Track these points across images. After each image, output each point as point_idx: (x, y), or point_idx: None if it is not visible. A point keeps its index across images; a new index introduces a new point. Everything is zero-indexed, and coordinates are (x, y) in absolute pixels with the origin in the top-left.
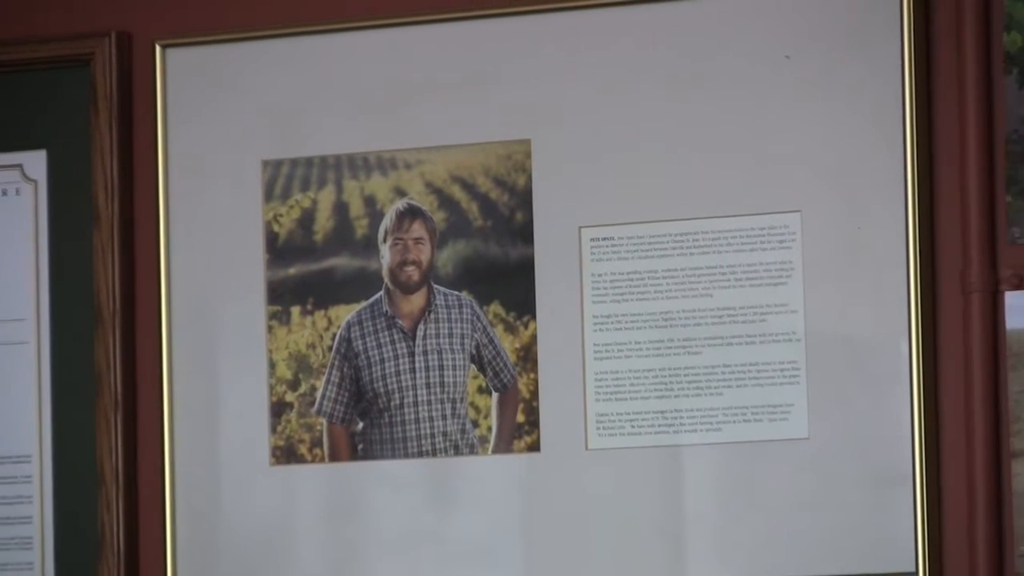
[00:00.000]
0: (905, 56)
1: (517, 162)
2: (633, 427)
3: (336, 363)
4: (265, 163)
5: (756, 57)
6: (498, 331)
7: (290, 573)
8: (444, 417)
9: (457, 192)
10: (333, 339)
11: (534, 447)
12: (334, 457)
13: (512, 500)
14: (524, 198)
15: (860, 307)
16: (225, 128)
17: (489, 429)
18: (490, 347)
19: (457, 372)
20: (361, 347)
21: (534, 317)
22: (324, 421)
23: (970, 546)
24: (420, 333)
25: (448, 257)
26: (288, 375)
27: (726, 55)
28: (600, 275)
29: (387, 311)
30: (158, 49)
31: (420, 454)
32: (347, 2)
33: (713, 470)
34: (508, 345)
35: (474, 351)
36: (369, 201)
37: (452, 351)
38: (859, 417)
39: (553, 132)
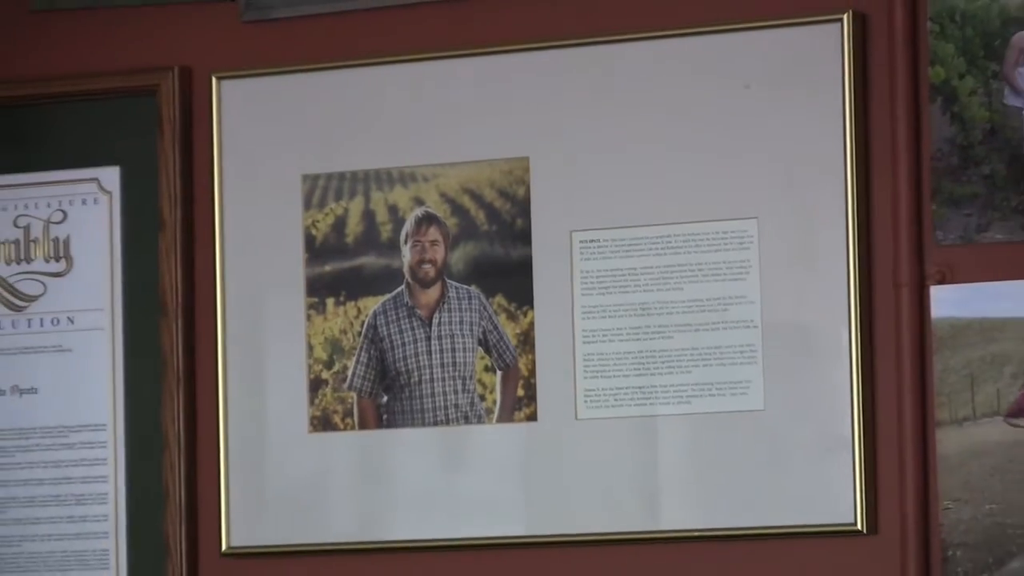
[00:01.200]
0: (846, 86)
1: (517, 176)
2: (616, 400)
3: (364, 346)
4: (305, 177)
5: (722, 87)
6: (501, 319)
7: (325, 524)
8: (456, 392)
9: (467, 202)
10: (362, 326)
11: (532, 417)
12: (363, 426)
13: (513, 462)
14: (523, 207)
15: (808, 299)
16: (270, 147)
17: (494, 402)
18: (494, 333)
19: (467, 354)
20: (385, 332)
21: (532, 307)
22: (354, 395)
23: (901, 501)
24: (435, 321)
25: (459, 257)
26: (324, 356)
27: (696, 85)
28: (588, 272)
29: (408, 302)
30: (214, 81)
31: (436, 423)
32: (373, 41)
33: (683, 436)
34: (510, 331)
35: (481, 336)
36: (392, 209)
37: (463, 336)
38: (806, 392)
39: (547, 151)
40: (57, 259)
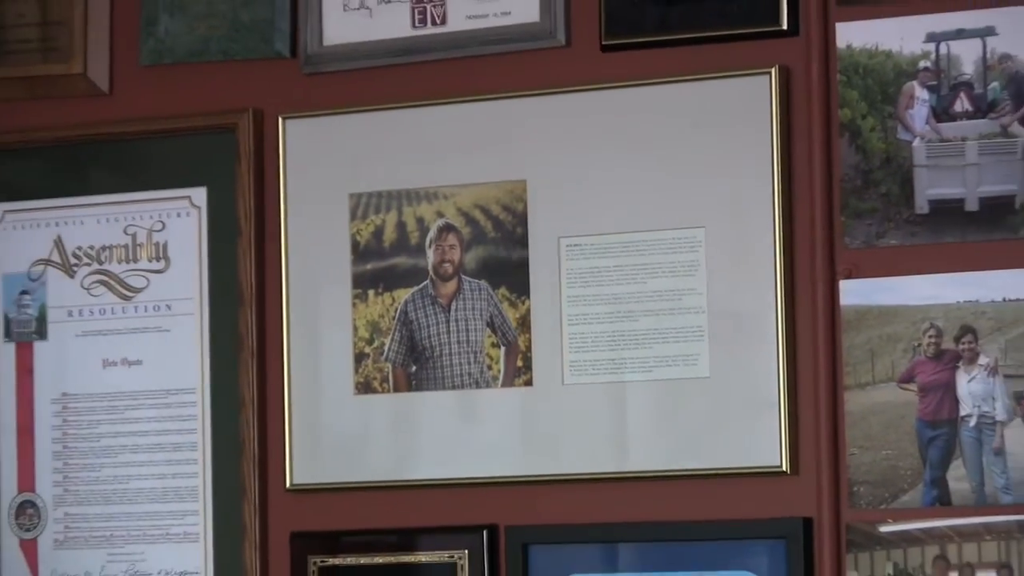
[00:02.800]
0: (773, 124)
1: (516, 195)
2: (594, 370)
3: (397, 327)
4: (351, 195)
5: (678, 125)
6: (504, 306)
7: (365, 465)
8: (469, 363)
9: (478, 214)
10: (395, 311)
11: (528, 383)
12: (396, 389)
13: (514, 418)
14: (521, 218)
15: (743, 291)
16: (324, 172)
17: (498, 371)
18: (499, 317)
19: (477, 333)
20: (414, 316)
21: (528, 297)
22: (389, 365)
23: (816, 448)
24: (453, 308)
25: (471, 257)
26: (366, 335)
27: (657, 124)
28: (572, 269)
29: (431, 293)
30: (280, 120)
31: (453, 387)
32: (403, 89)
33: (646, 398)
34: (511, 315)
35: (488, 319)
36: (419, 220)
37: (474, 319)
38: (743, 363)
39: (540, 175)
40: (158, 259)
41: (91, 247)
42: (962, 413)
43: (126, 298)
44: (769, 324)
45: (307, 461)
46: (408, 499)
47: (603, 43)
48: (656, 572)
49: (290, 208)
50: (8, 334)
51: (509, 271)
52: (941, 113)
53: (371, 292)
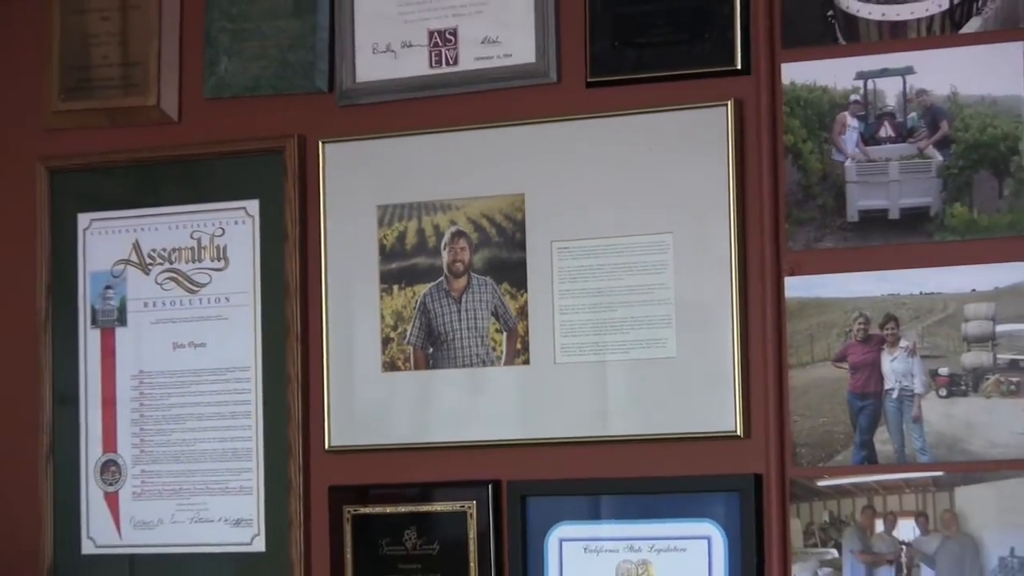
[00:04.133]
0: (729, 148)
1: (516, 206)
2: (580, 351)
3: (417, 316)
4: (379, 206)
5: (651, 148)
6: (506, 299)
7: (390, 430)
8: (476, 346)
9: (484, 222)
10: (416, 303)
11: (526, 362)
12: (416, 367)
13: (514, 391)
14: (520, 225)
15: (705, 286)
16: (356, 187)
17: (501, 352)
18: (502, 307)
19: (484, 321)
20: (431, 307)
21: (526, 291)
22: (411, 347)
23: (766, 416)
24: (463, 300)
25: (479, 258)
26: (391, 322)
27: (634, 148)
28: (563, 268)
29: (445, 288)
30: (320, 144)
31: (464, 366)
32: (423, 118)
33: (623, 374)
34: (512, 306)
35: (493, 310)
36: (435, 227)
37: (481, 310)
38: (704, 346)
39: (536, 189)
40: (218, 260)
41: (163, 249)
42: (886, 387)
43: (192, 292)
44: (726, 313)
45: (342, 427)
46: (426, 458)
47: (588, 80)
48: (631, 520)
49: (328, 217)
50: (95, 322)
51: (510, 269)
52: (868, 138)
53: (395, 287)
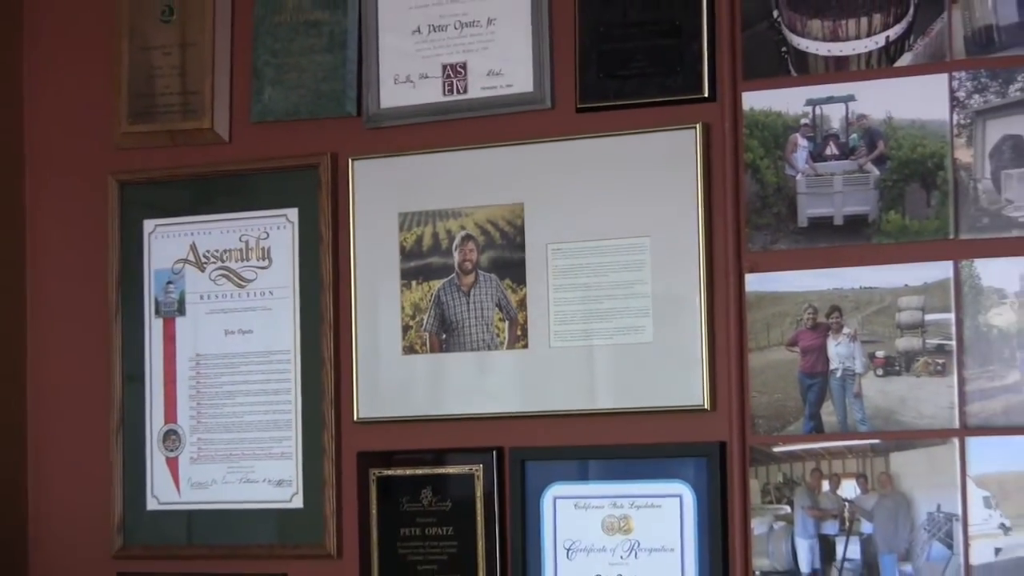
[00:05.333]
0: (698, 164)
1: (517, 213)
2: (571, 337)
3: (432, 307)
4: (400, 213)
5: (633, 164)
6: (508, 293)
7: (409, 404)
8: (482, 332)
9: (489, 227)
10: (431, 296)
11: (525, 346)
12: (431, 351)
13: (514, 371)
14: (520, 230)
15: (677, 281)
16: (381, 197)
17: (504, 338)
18: (504, 300)
19: (489, 311)
20: (444, 299)
21: (525, 285)
22: (427, 334)
23: (729, 392)
24: (472, 293)
25: (485, 258)
26: (410, 312)
27: (616, 163)
28: (556, 266)
29: (456, 283)
30: (350, 161)
31: (472, 349)
32: (437, 139)
33: (608, 357)
34: (513, 299)
35: (497, 302)
36: (448, 231)
37: (487, 302)
38: (676, 332)
39: (534, 199)
40: (263, 259)
41: (216, 250)
42: (831, 367)
43: (240, 286)
44: (695, 305)
45: (368, 401)
46: (439, 428)
47: (578, 106)
48: (615, 481)
49: (357, 223)
50: (158, 312)
51: (511, 268)
52: (816, 156)
53: (414, 282)
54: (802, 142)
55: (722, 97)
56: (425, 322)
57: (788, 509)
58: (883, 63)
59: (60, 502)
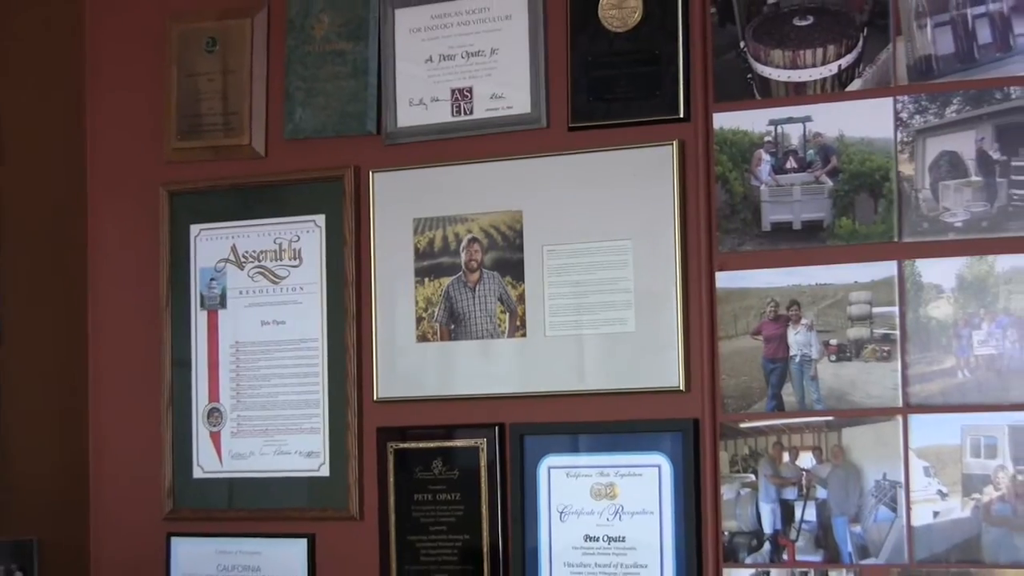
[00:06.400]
0: (674, 176)
1: (516, 219)
2: (564, 327)
3: (442, 301)
4: (414, 219)
5: (617, 176)
6: (509, 288)
7: (423, 385)
8: (486, 323)
9: (492, 231)
10: (441, 291)
11: (524, 335)
12: (442, 339)
13: (514, 357)
14: (519, 233)
15: (656, 279)
16: (397, 205)
17: (505, 328)
18: (506, 295)
19: (492, 305)
20: (453, 294)
21: (524, 282)
22: (437, 324)
23: (702, 376)
24: (477, 289)
25: (488, 258)
26: (423, 305)
27: (603, 175)
28: (551, 265)
29: (463, 280)
30: (370, 173)
31: (477, 338)
32: (446, 153)
33: (596, 344)
34: (513, 293)
35: (499, 296)
36: (456, 235)
37: (490, 296)
38: (655, 323)
39: (531, 207)
40: (294, 259)
41: (253, 251)
42: (791, 354)
43: (275, 283)
44: (672, 299)
45: (387, 383)
46: (448, 407)
47: (570, 125)
48: (601, 452)
49: (376, 227)
50: (203, 305)
51: (512, 266)
52: (778, 169)
53: (426, 279)
54: (765, 157)
55: (695, 118)
56: (436, 314)
57: (753, 477)
58: (836, 88)
59: (117, 471)
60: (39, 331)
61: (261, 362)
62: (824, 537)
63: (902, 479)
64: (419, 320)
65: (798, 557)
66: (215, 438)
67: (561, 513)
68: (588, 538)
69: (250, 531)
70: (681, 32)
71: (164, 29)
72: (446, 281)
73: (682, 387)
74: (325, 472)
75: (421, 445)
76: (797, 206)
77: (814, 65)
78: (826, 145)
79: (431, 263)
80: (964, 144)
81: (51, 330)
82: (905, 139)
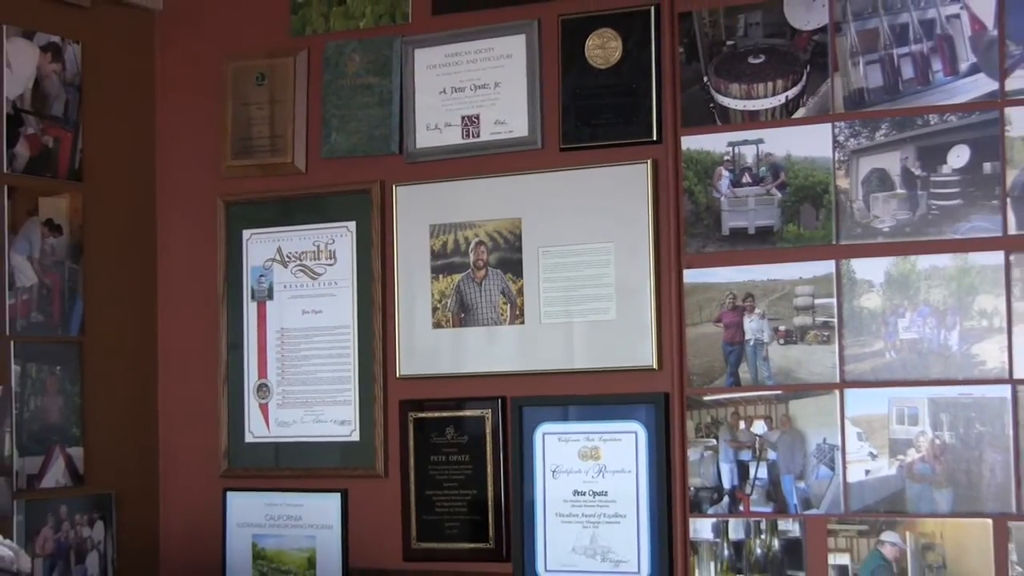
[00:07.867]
0: (648, 190)
1: (516, 225)
2: (556, 315)
3: (453, 294)
4: (431, 225)
5: (600, 189)
6: (510, 283)
7: (438, 363)
8: (491, 312)
9: (496, 235)
10: (453, 286)
11: (522, 323)
12: (453, 326)
13: (515, 342)
14: (519, 237)
15: (633, 276)
16: (417, 213)
17: (507, 316)
18: (507, 289)
19: (496, 297)
20: (463, 288)
21: (522, 278)
22: (450, 313)
23: (671, 355)
24: (483, 284)
25: (493, 258)
26: (438, 298)
27: (589, 189)
28: (545, 264)
29: (472, 277)
30: (394, 187)
31: (483, 325)
32: (459, 169)
33: (583, 330)
34: (513, 288)
35: (502, 290)
36: (465, 239)
37: (494, 290)
38: (633, 312)
39: (529, 215)
40: (330, 259)
41: (296, 252)
42: (746, 338)
43: (313, 278)
44: (647, 292)
45: (408, 362)
46: (459, 383)
47: (561, 147)
48: (588, 421)
49: (398, 232)
50: (253, 298)
51: (512, 265)
52: (735, 183)
53: (440, 276)
54: (725, 173)
55: (666, 140)
56: (448, 305)
57: (714, 442)
58: (784, 116)
59: (182, 436)
60: (117, 321)
61: (302, 345)
62: (774, 491)
63: (839, 443)
64: (434, 310)
65: (752, 508)
66: (263, 409)
67: (553, 472)
68: (576, 492)
69: (293, 487)
70: (654, 69)
71: (221, 66)
72: (457, 277)
73: (655, 366)
74: (356, 437)
75: (436, 414)
76: (752, 214)
77: (766, 96)
78: (776, 163)
79: (444, 262)
80: (891, 162)
81: (127, 320)
82: (842, 158)
